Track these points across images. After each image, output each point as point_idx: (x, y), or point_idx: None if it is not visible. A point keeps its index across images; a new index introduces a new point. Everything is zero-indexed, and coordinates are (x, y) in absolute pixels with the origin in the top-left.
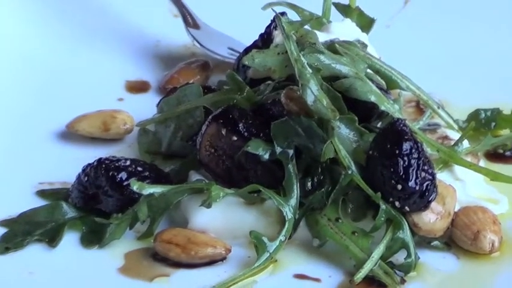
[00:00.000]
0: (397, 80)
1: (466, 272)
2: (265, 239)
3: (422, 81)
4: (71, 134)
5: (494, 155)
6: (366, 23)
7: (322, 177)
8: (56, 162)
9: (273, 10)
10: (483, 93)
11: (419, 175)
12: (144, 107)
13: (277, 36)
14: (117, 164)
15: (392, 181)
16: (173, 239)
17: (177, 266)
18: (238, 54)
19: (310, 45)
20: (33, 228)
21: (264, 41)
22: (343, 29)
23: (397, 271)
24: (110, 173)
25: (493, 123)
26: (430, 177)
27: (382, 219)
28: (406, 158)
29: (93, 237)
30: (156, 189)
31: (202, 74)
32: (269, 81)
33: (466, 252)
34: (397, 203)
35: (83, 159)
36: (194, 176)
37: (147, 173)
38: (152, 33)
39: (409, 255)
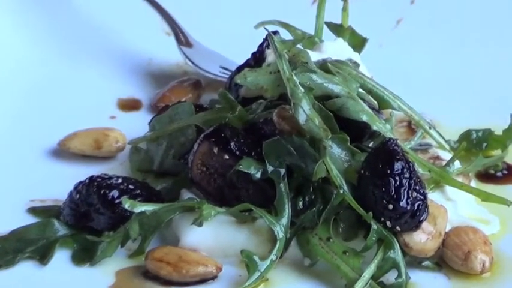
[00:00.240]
0: (389, 100)
1: None
2: (256, 258)
3: (414, 101)
4: (62, 152)
5: (485, 176)
6: (358, 43)
7: (313, 196)
8: (47, 179)
9: (266, 29)
10: (475, 113)
11: (410, 195)
12: (136, 125)
13: (270, 55)
14: (108, 182)
15: (384, 201)
16: (164, 257)
17: (168, 284)
18: (230, 73)
19: (303, 64)
20: (24, 246)
21: (256, 59)
22: (335, 48)
23: None
24: (102, 191)
25: (485, 144)
26: (422, 197)
27: (374, 238)
28: (397, 178)
29: (85, 255)
30: (148, 207)
31: (194, 92)
32: (261, 100)
33: (457, 273)
34: (388, 223)
35: (75, 176)
36: (186, 194)
37: (138, 191)
38: (144, 51)
39: (400, 275)
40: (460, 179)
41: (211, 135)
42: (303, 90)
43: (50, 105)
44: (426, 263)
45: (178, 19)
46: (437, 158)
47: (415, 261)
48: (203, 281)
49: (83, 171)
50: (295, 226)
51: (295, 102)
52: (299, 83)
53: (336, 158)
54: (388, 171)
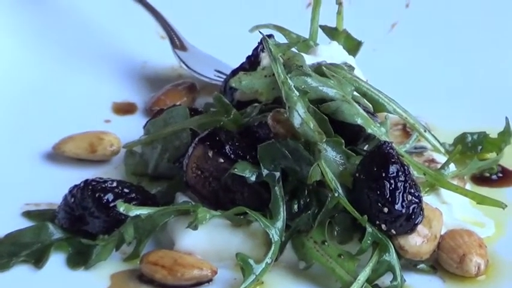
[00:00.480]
0: (383, 103)
1: None
2: (251, 261)
3: (409, 105)
4: (57, 156)
5: (480, 179)
6: (353, 46)
7: (308, 199)
8: (42, 183)
9: (260, 32)
10: (470, 116)
11: (405, 198)
12: (131, 129)
13: (264, 59)
14: (103, 186)
15: (379, 204)
16: (159, 260)
17: None
18: (225, 77)
19: (297, 67)
20: (19, 249)
21: (251, 63)
22: (330, 52)
23: None
24: (97, 195)
25: (480, 147)
26: (417, 200)
27: (369, 242)
28: (392, 181)
29: (79, 259)
30: (143, 211)
31: (189, 96)
32: (256, 104)
33: (452, 276)
34: (383, 226)
35: (70, 180)
36: (181, 198)
37: (133, 195)
38: (139, 54)
39: (395, 278)
40: (455, 182)
41: (206, 138)
42: (297, 93)
43: (44, 109)
44: (421, 266)
45: (173, 23)
46: (432, 161)
47: (410, 264)
48: (198, 284)
49: (77, 175)
50: (290, 229)
51: (290, 106)
52: (294, 86)
53: (331, 161)
54: (383, 174)
